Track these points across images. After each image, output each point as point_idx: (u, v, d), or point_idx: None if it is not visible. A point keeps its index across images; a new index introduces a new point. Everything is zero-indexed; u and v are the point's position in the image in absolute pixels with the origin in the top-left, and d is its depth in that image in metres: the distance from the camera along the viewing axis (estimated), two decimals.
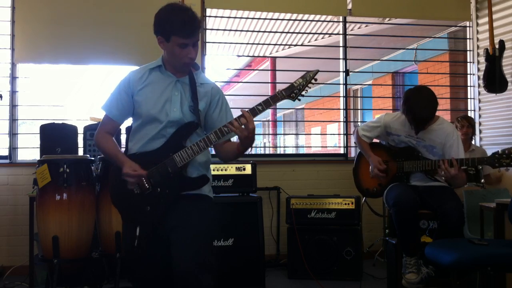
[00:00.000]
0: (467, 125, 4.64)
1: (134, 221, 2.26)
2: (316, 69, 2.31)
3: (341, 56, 5.33)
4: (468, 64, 5.60)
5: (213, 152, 2.45)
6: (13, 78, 4.62)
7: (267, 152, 12.51)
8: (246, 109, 2.21)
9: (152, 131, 2.27)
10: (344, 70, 5.26)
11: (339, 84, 5.46)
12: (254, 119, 2.21)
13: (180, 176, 2.24)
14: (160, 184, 2.22)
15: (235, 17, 5.46)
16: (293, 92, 2.25)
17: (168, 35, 2.19)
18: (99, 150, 2.47)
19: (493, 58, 4.87)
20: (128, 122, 2.49)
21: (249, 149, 2.38)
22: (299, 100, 2.28)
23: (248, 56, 8.57)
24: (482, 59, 5.19)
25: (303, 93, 2.26)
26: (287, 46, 7.53)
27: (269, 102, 2.23)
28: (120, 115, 2.37)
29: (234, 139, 2.32)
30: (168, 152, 2.23)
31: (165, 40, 2.21)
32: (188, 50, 2.21)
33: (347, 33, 5.39)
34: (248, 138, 2.20)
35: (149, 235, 2.23)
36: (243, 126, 2.16)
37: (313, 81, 2.27)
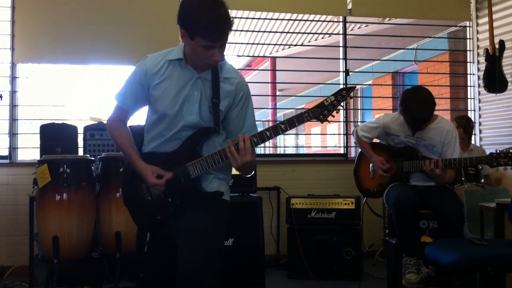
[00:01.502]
0: (456, 126, 4.59)
1: (144, 227, 2.20)
2: (353, 85, 2.08)
3: (341, 56, 5.33)
4: (468, 64, 5.59)
5: None
6: (13, 78, 4.62)
7: (267, 152, 12.48)
8: (267, 129, 2.00)
9: (167, 133, 2.13)
10: (344, 70, 5.25)
11: (339, 84, 5.46)
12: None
13: (193, 188, 2.11)
14: (171, 194, 2.12)
15: (235, 17, 5.45)
16: (322, 113, 1.98)
17: (192, 34, 1.95)
18: (112, 140, 2.37)
19: (493, 58, 4.87)
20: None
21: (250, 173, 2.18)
22: (328, 121, 2.01)
23: (248, 56, 8.56)
24: (482, 59, 5.19)
25: (334, 113, 1.99)
26: (287, 46, 7.53)
27: (294, 123, 1.99)
28: (134, 106, 2.22)
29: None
30: (182, 159, 2.10)
31: (189, 37, 1.97)
32: (213, 52, 1.97)
33: (347, 33, 5.39)
34: (240, 169, 2.05)
35: (160, 239, 2.17)
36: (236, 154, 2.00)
37: (348, 98, 2.01)
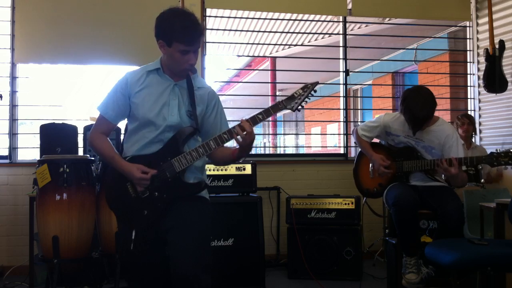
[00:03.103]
0: (468, 123, 4.65)
1: (131, 224, 2.25)
2: (316, 81, 2.35)
3: (341, 56, 5.33)
4: (468, 64, 5.60)
5: None
6: (13, 78, 4.62)
7: (267, 152, 12.50)
8: (246, 119, 2.20)
9: (149, 135, 2.26)
10: (344, 70, 5.26)
11: (339, 84, 5.46)
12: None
13: (178, 181, 2.23)
14: (157, 189, 2.22)
15: (235, 17, 5.46)
16: (294, 102, 2.27)
17: (170, 41, 2.17)
18: (93, 150, 2.47)
19: (493, 58, 4.87)
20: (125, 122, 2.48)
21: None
22: (299, 111, 2.30)
23: (248, 56, 8.56)
24: (482, 59, 5.19)
25: (303, 104, 2.29)
26: (287, 46, 7.53)
27: (270, 112, 2.24)
28: (116, 116, 2.35)
29: (229, 144, 2.31)
30: (166, 157, 2.22)
31: (166, 45, 2.19)
32: (189, 57, 2.20)
33: (347, 33, 5.39)
34: (248, 147, 2.23)
35: (146, 237, 2.23)
36: (244, 134, 2.18)
37: (312, 92, 2.30)
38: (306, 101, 2.29)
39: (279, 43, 6.96)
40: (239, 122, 2.21)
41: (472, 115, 5.32)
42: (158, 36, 2.22)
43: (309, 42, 7.15)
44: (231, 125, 2.34)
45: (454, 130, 3.55)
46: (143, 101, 2.26)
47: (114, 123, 2.37)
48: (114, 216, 3.31)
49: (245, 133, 2.17)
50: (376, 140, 3.77)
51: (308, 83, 2.31)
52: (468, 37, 5.55)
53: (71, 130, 4.10)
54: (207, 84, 2.44)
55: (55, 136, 4.03)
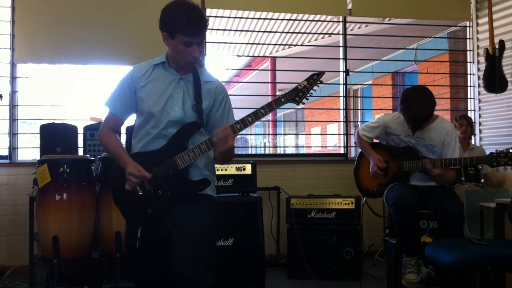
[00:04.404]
0: (466, 124, 4.66)
1: (136, 222, 2.25)
2: (322, 70, 2.26)
3: (341, 56, 5.33)
4: (468, 64, 5.59)
5: None
6: (13, 78, 4.62)
7: (267, 152, 12.52)
8: (249, 115, 2.15)
9: (153, 131, 2.24)
10: (344, 70, 5.25)
11: (339, 84, 5.46)
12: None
13: (182, 179, 2.21)
14: (161, 187, 2.20)
15: (235, 17, 5.46)
16: (297, 95, 2.20)
17: (173, 33, 2.15)
18: (102, 147, 2.46)
19: (493, 58, 4.87)
20: (128, 122, 2.47)
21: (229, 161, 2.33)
22: (303, 104, 2.22)
23: (248, 56, 8.57)
24: (482, 59, 5.19)
25: (308, 96, 2.20)
26: (287, 46, 7.54)
27: (272, 106, 2.19)
28: (124, 111, 2.33)
29: None
30: (170, 154, 2.20)
31: (170, 37, 2.17)
32: (193, 49, 2.17)
33: (347, 33, 5.39)
34: (224, 154, 2.15)
35: (151, 236, 2.22)
36: (221, 139, 2.09)
37: (318, 83, 2.22)
38: (311, 93, 2.21)
39: (279, 43, 6.96)
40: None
41: (472, 115, 5.33)
42: (162, 28, 2.19)
43: (309, 42, 7.16)
44: None
45: (454, 127, 3.56)
46: (148, 95, 2.25)
47: (122, 118, 2.35)
48: (114, 216, 3.36)
49: (222, 139, 2.09)
50: (376, 140, 3.77)
51: (313, 74, 2.22)
52: (468, 37, 5.55)
53: (71, 130, 4.10)
54: (215, 78, 2.38)
55: (55, 136, 4.03)
